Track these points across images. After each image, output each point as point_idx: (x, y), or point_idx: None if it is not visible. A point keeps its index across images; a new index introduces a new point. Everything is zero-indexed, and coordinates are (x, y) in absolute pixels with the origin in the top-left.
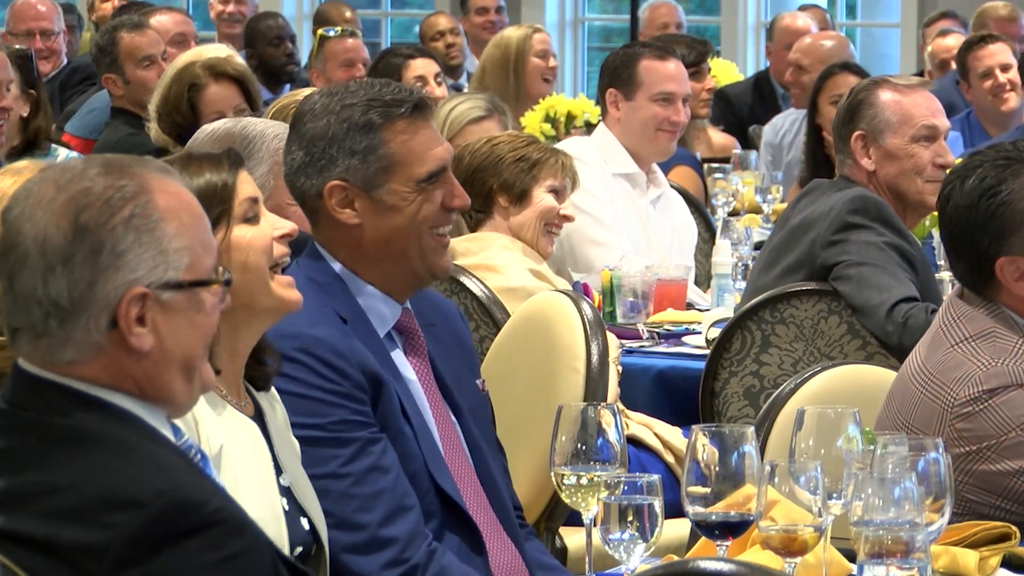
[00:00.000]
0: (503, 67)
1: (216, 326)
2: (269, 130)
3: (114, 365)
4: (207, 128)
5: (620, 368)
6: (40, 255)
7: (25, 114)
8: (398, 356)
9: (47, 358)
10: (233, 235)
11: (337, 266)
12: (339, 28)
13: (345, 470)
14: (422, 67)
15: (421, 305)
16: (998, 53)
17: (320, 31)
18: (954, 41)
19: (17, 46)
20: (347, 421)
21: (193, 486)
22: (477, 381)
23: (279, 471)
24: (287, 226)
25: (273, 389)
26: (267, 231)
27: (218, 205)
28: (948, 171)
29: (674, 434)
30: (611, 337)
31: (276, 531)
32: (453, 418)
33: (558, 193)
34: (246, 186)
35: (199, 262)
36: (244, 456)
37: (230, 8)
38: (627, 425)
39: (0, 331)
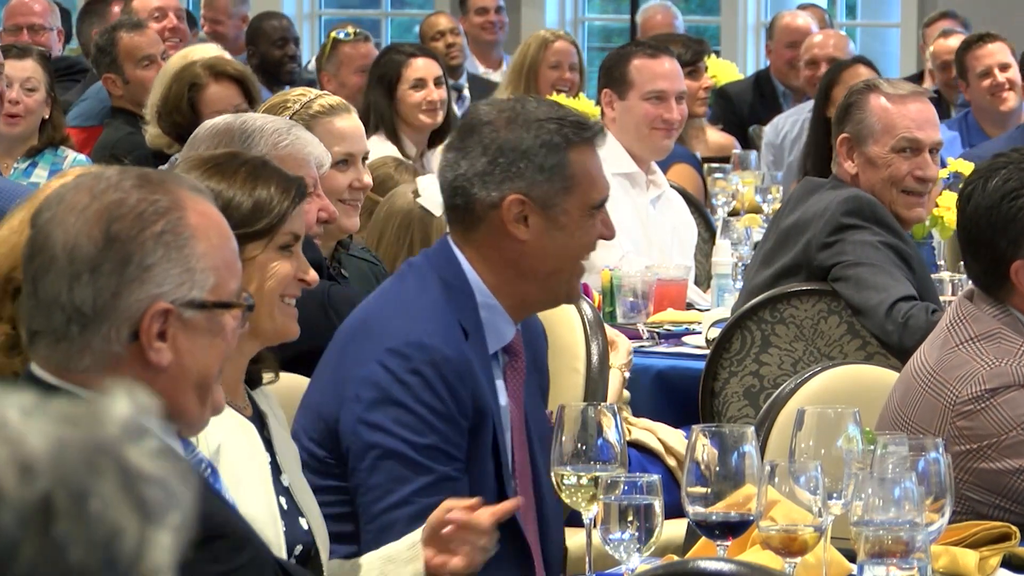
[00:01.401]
0: (518, 75)
1: (233, 349)
2: (268, 125)
3: (129, 378)
4: (207, 124)
5: (627, 375)
6: (68, 261)
7: (47, 116)
8: (498, 378)
9: (64, 364)
10: (265, 257)
11: (471, 273)
12: (351, 31)
13: (416, 499)
14: (423, 68)
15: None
16: (997, 52)
17: (332, 33)
18: (957, 42)
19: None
20: (437, 449)
21: (197, 498)
22: (547, 412)
23: (279, 471)
24: (312, 277)
25: (269, 390)
26: (293, 268)
27: (267, 222)
28: (929, 185)
29: (676, 437)
30: (623, 340)
31: (273, 532)
32: (527, 449)
33: None
34: (297, 221)
35: (224, 284)
36: (242, 456)
37: (206, 29)
38: (629, 431)
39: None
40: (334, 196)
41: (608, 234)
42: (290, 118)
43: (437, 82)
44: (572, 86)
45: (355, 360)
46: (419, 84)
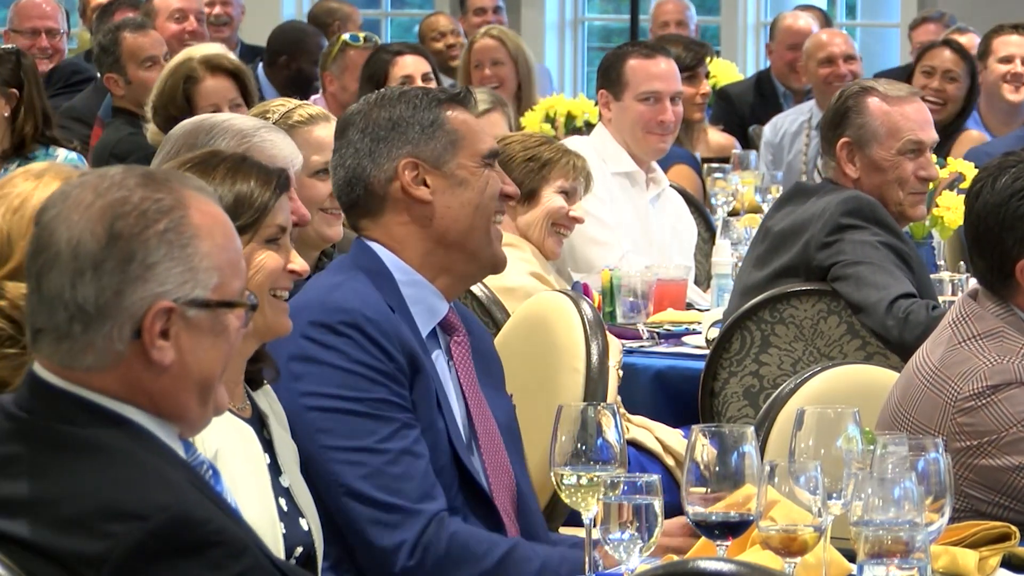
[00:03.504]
0: (461, 82)
1: (237, 349)
2: (235, 126)
3: (132, 376)
4: (182, 123)
5: (621, 372)
6: (72, 258)
7: (7, 114)
8: (439, 357)
9: (66, 362)
10: (251, 251)
11: (390, 258)
12: (362, 36)
13: (383, 446)
14: (411, 65)
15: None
16: None
17: (344, 37)
18: (968, 40)
19: (8, 45)
20: (387, 401)
21: (196, 504)
22: (508, 394)
23: (279, 471)
24: (301, 265)
25: (270, 389)
26: (281, 261)
27: (249, 216)
28: (930, 183)
29: (675, 437)
30: (613, 341)
31: (272, 536)
32: (495, 425)
33: (568, 194)
34: (282, 213)
35: (227, 283)
36: (240, 460)
37: (216, 10)
38: (627, 428)
39: (2, 341)
40: (315, 205)
41: (508, 189)
42: None
43: (425, 78)
44: (501, 82)
45: (282, 344)
46: (406, 82)
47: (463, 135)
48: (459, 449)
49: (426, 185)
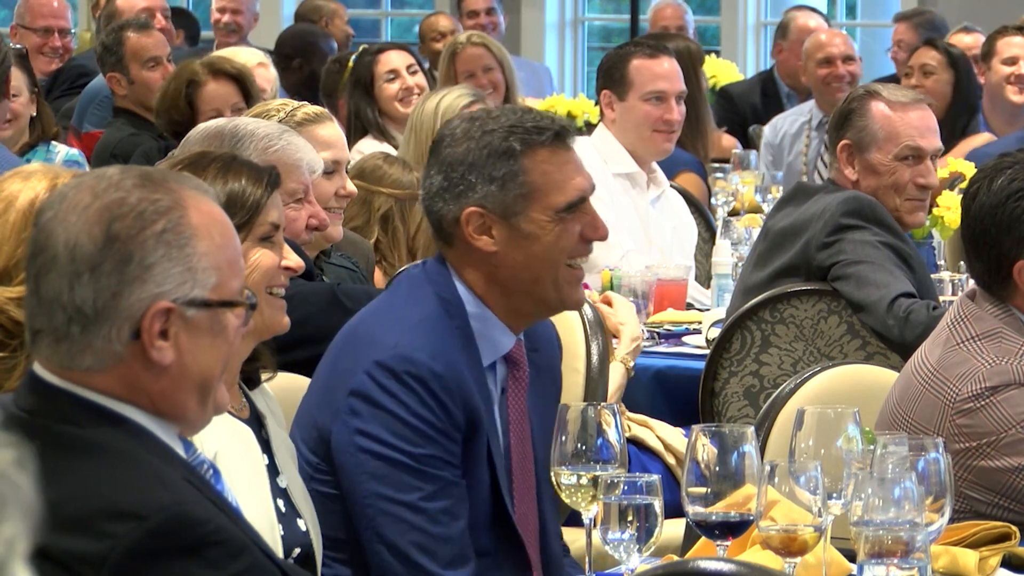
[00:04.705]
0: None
1: (236, 348)
2: (260, 130)
3: (131, 377)
4: (200, 127)
5: (633, 371)
6: (69, 260)
7: (34, 114)
8: (493, 392)
9: (66, 363)
10: (245, 249)
11: (460, 286)
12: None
13: (424, 505)
14: (394, 59)
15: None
16: None
17: (350, 64)
18: (973, 40)
19: (16, 44)
20: (437, 458)
21: (195, 504)
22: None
23: (276, 472)
24: (295, 262)
25: (268, 388)
26: (276, 258)
27: (242, 215)
28: (929, 191)
29: (675, 435)
30: (628, 328)
31: (270, 537)
32: (532, 459)
33: None
34: (274, 210)
35: (226, 283)
36: (238, 461)
37: (226, 18)
38: (628, 427)
39: None
40: (321, 204)
41: (593, 234)
42: None
43: (410, 70)
44: (495, 87)
45: (346, 370)
46: (392, 76)
47: (538, 187)
48: (505, 501)
49: (491, 235)
